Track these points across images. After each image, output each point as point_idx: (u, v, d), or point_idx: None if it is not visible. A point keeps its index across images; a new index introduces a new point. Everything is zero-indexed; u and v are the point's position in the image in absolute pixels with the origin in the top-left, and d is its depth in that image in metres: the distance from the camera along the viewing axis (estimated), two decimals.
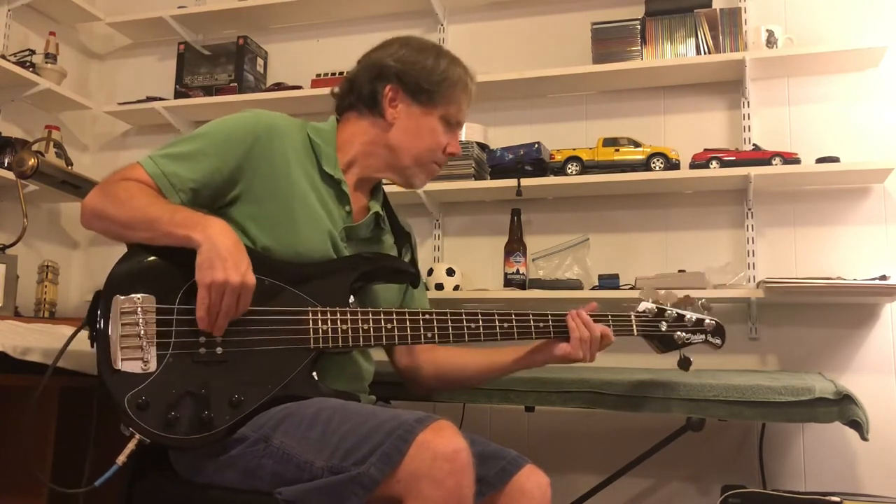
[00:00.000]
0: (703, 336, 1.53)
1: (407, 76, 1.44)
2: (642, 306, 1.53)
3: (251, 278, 1.20)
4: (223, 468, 1.23)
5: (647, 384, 1.68)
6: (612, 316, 1.49)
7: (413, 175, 1.50)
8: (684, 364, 1.53)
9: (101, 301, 1.20)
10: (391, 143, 1.46)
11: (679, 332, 1.52)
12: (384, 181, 1.57)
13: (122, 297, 1.19)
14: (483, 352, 1.56)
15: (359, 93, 1.47)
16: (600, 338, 1.45)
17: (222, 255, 1.18)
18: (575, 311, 1.46)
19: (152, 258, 1.24)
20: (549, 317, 1.45)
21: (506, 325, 1.42)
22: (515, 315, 1.44)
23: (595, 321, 1.46)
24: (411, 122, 1.45)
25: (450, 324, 1.39)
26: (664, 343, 1.52)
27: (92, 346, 1.20)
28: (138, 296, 1.20)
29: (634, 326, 1.51)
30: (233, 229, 1.25)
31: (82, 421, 1.30)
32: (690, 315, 1.53)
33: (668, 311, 1.52)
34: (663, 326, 1.51)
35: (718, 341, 1.54)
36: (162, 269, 1.23)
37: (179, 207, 1.26)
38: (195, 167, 1.31)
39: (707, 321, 1.53)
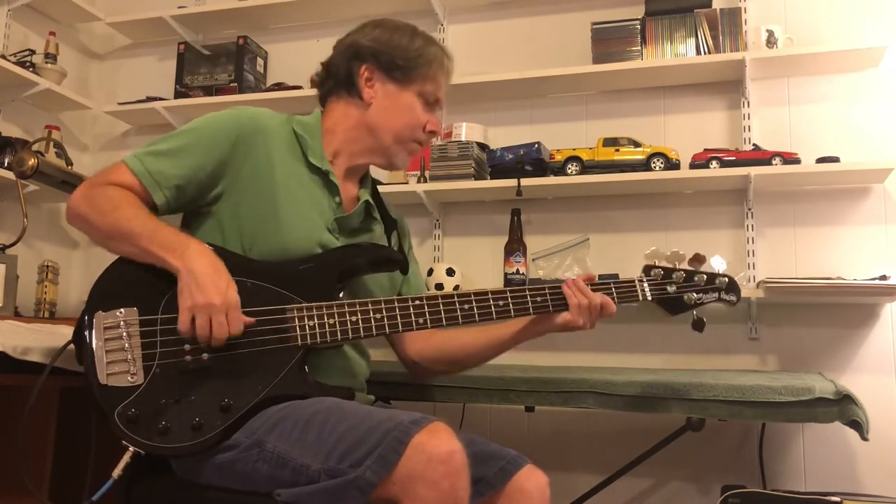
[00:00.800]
0: (715, 294, 1.44)
1: (382, 55, 1.44)
2: (648, 271, 1.46)
3: (232, 296, 1.21)
4: (220, 472, 1.23)
5: (648, 384, 1.68)
6: (616, 284, 1.44)
7: (394, 154, 1.49)
8: (698, 325, 1.44)
9: (84, 319, 1.21)
10: (370, 124, 1.45)
11: (690, 293, 1.44)
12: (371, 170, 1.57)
13: (104, 314, 1.20)
14: (483, 329, 1.52)
15: (336, 76, 1.47)
16: (600, 306, 1.42)
17: (200, 281, 1.19)
18: (570, 279, 1.44)
19: (133, 271, 1.25)
20: (547, 290, 1.42)
21: (501, 302, 1.39)
22: (510, 292, 1.41)
23: (597, 290, 1.43)
24: (388, 100, 1.45)
25: (441, 307, 1.37)
26: (674, 306, 1.44)
27: (79, 363, 1.21)
28: (120, 310, 1.21)
29: (639, 291, 1.44)
30: (211, 245, 1.24)
31: (82, 420, 1.30)
32: (701, 274, 1.45)
33: (677, 273, 1.45)
34: (672, 289, 1.44)
35: (734, 298, 1.45)
36: (143, 280, 1.24)
37: (161, 226, 1.25)
38: (179, 164, 1.31)
39: (719, 278, 1.45)
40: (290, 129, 1.44)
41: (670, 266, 1.46)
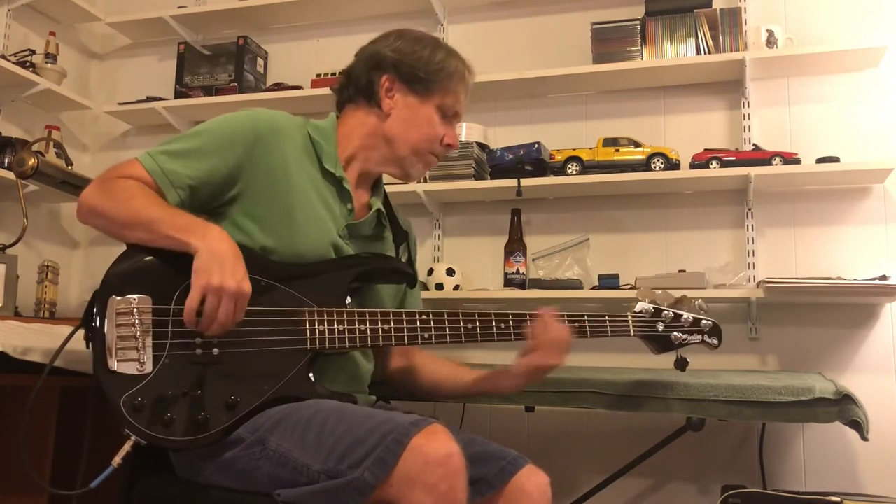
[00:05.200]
0: (699, 336, 1.53)
1: (403, 66, 1.44)
2: (639, 307, 1.52)
3: (247, 286, 1.19)
4: (221, 470, 1.23)
5: (647, 384, 1.68)
6: (610, 317, 1.49)
7: (410, 165, 1.49)
8: (681, 364, 1.54)
9: (97, 302, 1.19)
10: (388, 134, 1.45)
11: (676, 333, 1.51)
12: (384, 177, 1.57)
13: (118, 298, 1.19)
14: (457, 369, 1.57)
15: (356, 84, 1.47)
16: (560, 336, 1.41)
17: (220, 262, 1.17)
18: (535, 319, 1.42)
19: (148, 258, 1.24)
20: None
21: (503, 325, 1.42)
22: (513, 315, 1.43)
23: (592, 323, 1.46)
24: (408, 111, 1.45)
25: (447, 324, 1.38)
26: (661, 344, 1.52)
27: (87, 347, 1.20)
28: (134, 297, 1.20)
29: (632, 327, 1.50)
30: (230, 236, 1.24)
31: (83, 419, 1.30)
32: (687, 315, 1.53)
33: (665, 312, 1.52)
34: (660, 327, 1.51)
35: (715, 341, 1.54)
36: (158, 269, 1.23)
37: (179, 211, 1.25)
38: (194, 165, 1.30)
39: (704, 321, 1.53)
40: (306, 133, 1.44)
41: (659, 305, 1.53)
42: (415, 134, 1.46)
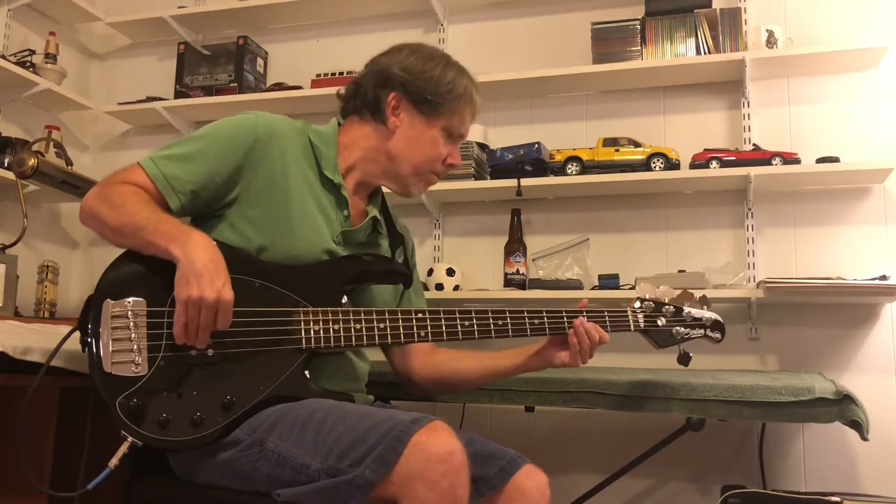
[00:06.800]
0: (701, 331, 1.52)
1: (412, 85, 1.43)
2: (639, 302, 1.51)
3: (227, 294, 1.19)
4: (219, 471, 1.23)
5: (647, 384, 1.68)
6: (609, 312, 1.48)
7: (411, 184, 1.49)
8: (684, 359, 1.52)
9: (92, 305, 1.20)
10: (391, 152, 1.45)
11: (678, 328, 1.50)
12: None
13: (113, 302, 1.20)
14: (482, 356, 1.55)
15: (363, 98, 1.47)
16: (598, 341, 1.44)
17: (198, 272, 1.17)
18: (578, 320, 1.44)
19: (143, 262, 1.24)
20: (545, 313, 1.44)
21: (500, 322, 1.41)
22: (510, 312, 1.43)
23: (591, 318, 1.45)
24: (413, 131, 1.45)
25: (443, 322, 1.38)
26: (662, 339, 1.50)
27: (83, 350, 1.20)
28: (129, 300, 1.21)
29: (632, 322, 1.49)
30: (228, 237, 1.24)
31: (83, 420, 1.30)
32: (689, 310, 1.52)
33: (667, 307, 1.51)
34: (661, 322, 1.50)
35: (718, 335, 1.53)
36: (152, 272, 1.24)
37: (165, 217, 1.25)
38: (195, 169, 1.31)
39: (706, 316, 1.52)
40: (307, 138, 1.43)
41: (660, 300, 1.52)
42: (418, 154, 1.45)
